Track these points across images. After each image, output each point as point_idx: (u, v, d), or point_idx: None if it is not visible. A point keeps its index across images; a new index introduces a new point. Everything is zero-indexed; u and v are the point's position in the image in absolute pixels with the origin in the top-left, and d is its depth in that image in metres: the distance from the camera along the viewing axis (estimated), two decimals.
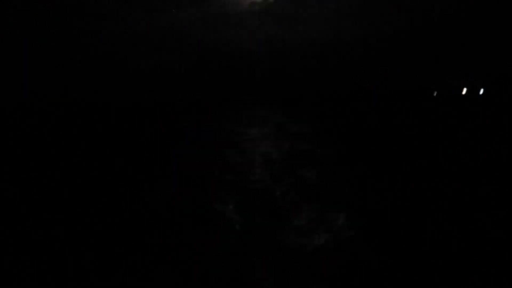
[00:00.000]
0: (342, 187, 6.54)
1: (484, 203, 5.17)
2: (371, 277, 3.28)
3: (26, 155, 12.56)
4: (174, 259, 3.85)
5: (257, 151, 11.72)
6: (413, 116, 25.84)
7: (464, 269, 3.34)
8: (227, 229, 4.64)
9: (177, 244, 4.26)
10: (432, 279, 3.21)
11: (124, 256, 3.97)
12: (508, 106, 27.55)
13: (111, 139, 17.64)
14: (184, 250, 4.07)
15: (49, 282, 3.52)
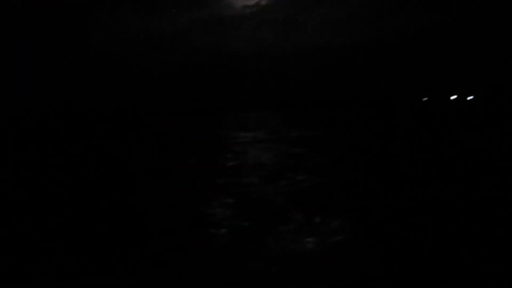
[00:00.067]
0: (333, 192, 6.50)
1: (476, 205, 5.20)
2: (359, 282, 3.28)
3: (25, 155, 12.41)
4: (163, 263, 3.78)
5: (249, 155, 11.71)
6: (404, 121, 26.09)
7: (459, 272, 3.34)
8: (217, 233, 4.57)
9: (164, 247, 4.17)
10: (422, 283, 3.21)
11: (116, 258, 3.87)
12: (497, 111, 27.97)
13: (105, 141, 17.52)
14: (172, 253, 3.98)
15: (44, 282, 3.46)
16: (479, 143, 11.79)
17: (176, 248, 4.17)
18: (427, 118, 27.87)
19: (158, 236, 4.62)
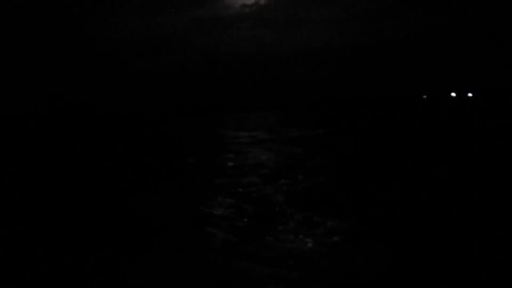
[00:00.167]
0: (331, 192, 6.48)
1: (477, 205, 5.18)
2: (355, 281, 3.26)
3: (26, 155, 12.38)
4: (163, 262, 3.76)
5: (249, 155, 11.68)
6: (403, 120, 26.06)
7: (459, 272, 3.32)
8: (216, 232, 4.54)
9: (164, 247, 4.17)
10: (419, 284, 3.19)
11: (118, 259, 3.88)
12: (496, 109, 27.96)
13: (104, 142, 17.50)
14: (171, 253, 3.97)
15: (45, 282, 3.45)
16: (478, 142, 11.76)
17: (176, 248, 4.16)
18: (427, 116, 27.84)
19: (158, 236, 4.61)
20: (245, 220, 5.03)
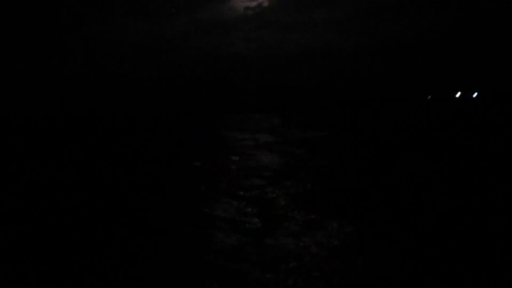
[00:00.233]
0: (335, 194, 6.43)
1: (480, 205, 5.09)
2: (356, 284, 3.19)
3: (26, 158, 12.35)
4: (164, 263, 3.76)
5: (252, 157, 11.58)
6: (408, 120, 25.93)
7: (459, 272, 3.25)
8: (218, 234, 4.53)
9: (164, 248, 4.16)
10: (422, 283, 3.13)
11: (117, 258, 3.86)
12: (501, 109, 27.78)
13: (106, 143, 17.50)
14: (171, 253, 3.97)
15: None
16: (483, 143, 11.62)
17: (176, 249, 4.15)
18: (431, 117, 27.71)
19: (158, 236, 4.60)
20: (246, 221, 5.01)
